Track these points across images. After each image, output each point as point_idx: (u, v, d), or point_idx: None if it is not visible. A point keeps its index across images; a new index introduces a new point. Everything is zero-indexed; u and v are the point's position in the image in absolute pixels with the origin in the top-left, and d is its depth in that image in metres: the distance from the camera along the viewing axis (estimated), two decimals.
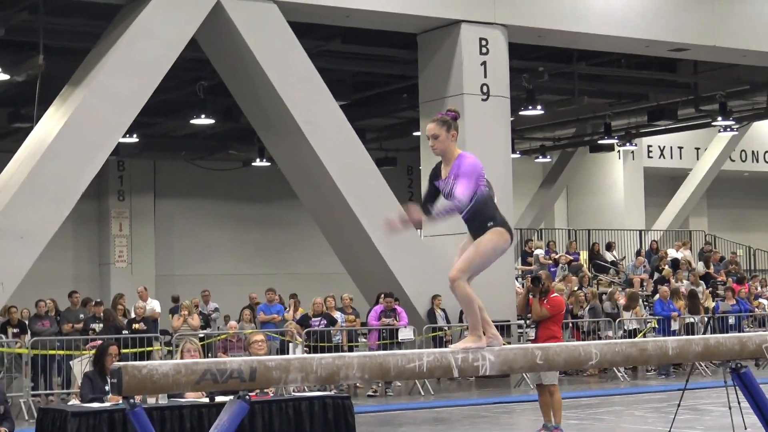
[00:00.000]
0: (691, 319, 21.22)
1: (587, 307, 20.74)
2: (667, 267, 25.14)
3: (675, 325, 20.76)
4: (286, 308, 20.21)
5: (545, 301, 11.97)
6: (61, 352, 16.49)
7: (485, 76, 19.29)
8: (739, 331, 20.47)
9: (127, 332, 17.77)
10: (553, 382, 11.93)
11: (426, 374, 5.94)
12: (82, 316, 18.49)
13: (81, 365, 15.05)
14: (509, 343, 17.40)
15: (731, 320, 21.53)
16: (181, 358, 9.89)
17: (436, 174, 6.63)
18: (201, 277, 27.76)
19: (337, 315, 18.96)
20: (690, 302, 21.79)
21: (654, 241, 28.86)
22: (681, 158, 33.87)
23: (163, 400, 9.26)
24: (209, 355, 17.00)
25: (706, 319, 20.92)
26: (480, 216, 6.41)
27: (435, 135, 6.49)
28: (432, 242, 19.22)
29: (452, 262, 6.55)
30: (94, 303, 19.28)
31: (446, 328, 18.83)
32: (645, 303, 22.64)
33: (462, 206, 6.34)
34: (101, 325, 18.01)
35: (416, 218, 6.51)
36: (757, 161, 35.13)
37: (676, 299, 21.56)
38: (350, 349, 18.27)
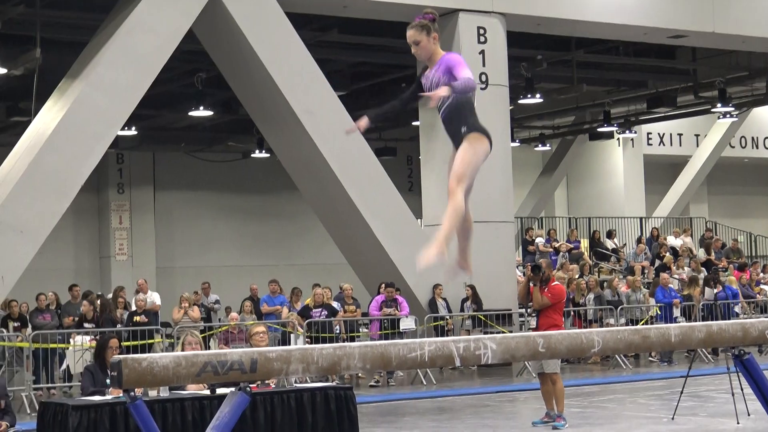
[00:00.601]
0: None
1: (592, 296, 20.68)
2: (668, 254, 25.09)
3: (677, 312, 20.75)
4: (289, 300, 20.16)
5: (546, 290, 11.95)
6: (63, 346, 16.47)
7: (484, 65, 19.25)
8: (729, 318, 20.48)
9: (120, 325, 17.72)
10: (555, 370, 11.92)
11: (428, 363, 5.91)
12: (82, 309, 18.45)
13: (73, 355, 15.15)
14: (511, 332, 17.46)
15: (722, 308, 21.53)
16: (182, 350, 9.85)
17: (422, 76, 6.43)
18: (201, 268, 27.77)
19: (335, 305, 18.92)
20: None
21: (655, 228, 28.82)
22: (681, 145, 33.82)
23: (164, 393, 9.23)
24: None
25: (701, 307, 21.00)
26: (456, 117, 6.19)
27: (416, 41, 6.25)
28: (432, 232, 19.18)
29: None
30: (95, 296, 19.25)
31: (448, 317, 18.80)
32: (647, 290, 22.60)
33: (464, 86, 6.00)
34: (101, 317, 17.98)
35: (363, 124, 6.27)
36: (757, 147, 35.09)
37: (694, 286, 21.56)
38: (351, 340, 18.21)
